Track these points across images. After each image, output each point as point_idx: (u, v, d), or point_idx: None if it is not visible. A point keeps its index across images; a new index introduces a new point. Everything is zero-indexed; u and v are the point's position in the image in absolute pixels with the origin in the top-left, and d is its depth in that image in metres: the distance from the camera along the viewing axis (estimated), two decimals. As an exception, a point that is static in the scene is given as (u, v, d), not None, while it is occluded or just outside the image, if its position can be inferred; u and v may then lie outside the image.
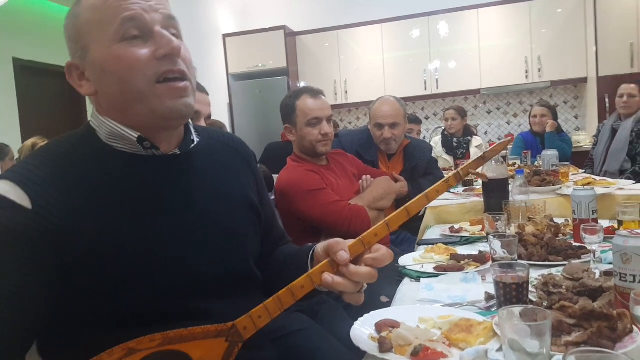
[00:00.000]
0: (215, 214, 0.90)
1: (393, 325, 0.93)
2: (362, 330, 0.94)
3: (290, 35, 5.57)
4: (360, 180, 2.09)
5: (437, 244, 1.57)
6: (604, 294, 0.98)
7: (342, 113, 5.93)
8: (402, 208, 0.83)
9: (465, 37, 5.26)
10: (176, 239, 0.84)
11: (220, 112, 5.24)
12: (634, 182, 2.30)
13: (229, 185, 0.96)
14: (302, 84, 5.66)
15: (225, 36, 5.60)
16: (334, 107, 4.44)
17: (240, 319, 0.77)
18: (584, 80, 5.02)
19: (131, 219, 0.80)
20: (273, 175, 2.01)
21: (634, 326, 0.78)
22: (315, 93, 1.94)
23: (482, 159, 0.91)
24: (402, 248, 2.14)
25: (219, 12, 5.63)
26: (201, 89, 1.73)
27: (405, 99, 2.71)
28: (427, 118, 5.70)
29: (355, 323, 0.96)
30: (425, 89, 5.39)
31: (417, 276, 1.31)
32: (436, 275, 1.29)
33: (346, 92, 5.56)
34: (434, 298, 1.14)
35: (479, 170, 0.95)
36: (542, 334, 0.68)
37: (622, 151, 3.32)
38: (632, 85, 3.38)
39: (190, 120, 0.94)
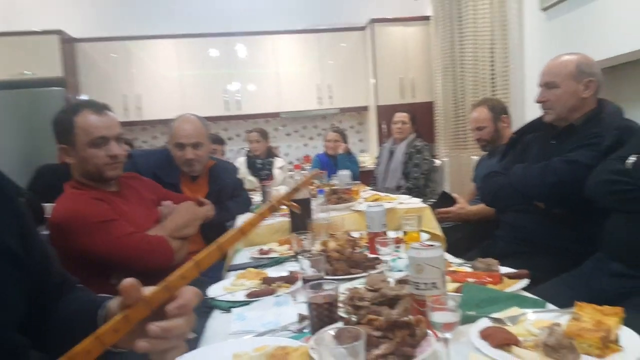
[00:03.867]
0: None
1: (204, 367, 0.85)
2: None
3: (68, 42, 4.91)
4: (160, 207, 1.91)
5: (247, 268, 1.53)
6: (399, 302, 1.07)
7: (135, 131, 5.49)
8: (213, 244, 0.70)
9: (264, 62, 5.45)
10: None
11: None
12: (410, 196, 2.66)
13: None
14: (84, 98, 5.05)
15: (-20, 35, 4.64)
16: (125, 124, 4.06)
17: None
18: (366, 108, 5.71)
19: None
20: (46, 204, 1.68)
21: (428, 330, 0.86)
22: (100, 108, 1.69)
23: (295, 191, 0.91)
24: (210, 274, 2.02)
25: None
26: None
27: (207, 119, 2.61)
28: (230, 139, 5.70)
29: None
30: (228, 109, 5.40)
31: (228, 307, 1.24)
32: (248, 303, 1.24)
33: (139, 108, 5.18)
34: (246, 328, 1.09)
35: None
36: (357, 353, 0.69)
37: (398, 170, 3.85)
38: (404, 114, 3.97)
39: None
